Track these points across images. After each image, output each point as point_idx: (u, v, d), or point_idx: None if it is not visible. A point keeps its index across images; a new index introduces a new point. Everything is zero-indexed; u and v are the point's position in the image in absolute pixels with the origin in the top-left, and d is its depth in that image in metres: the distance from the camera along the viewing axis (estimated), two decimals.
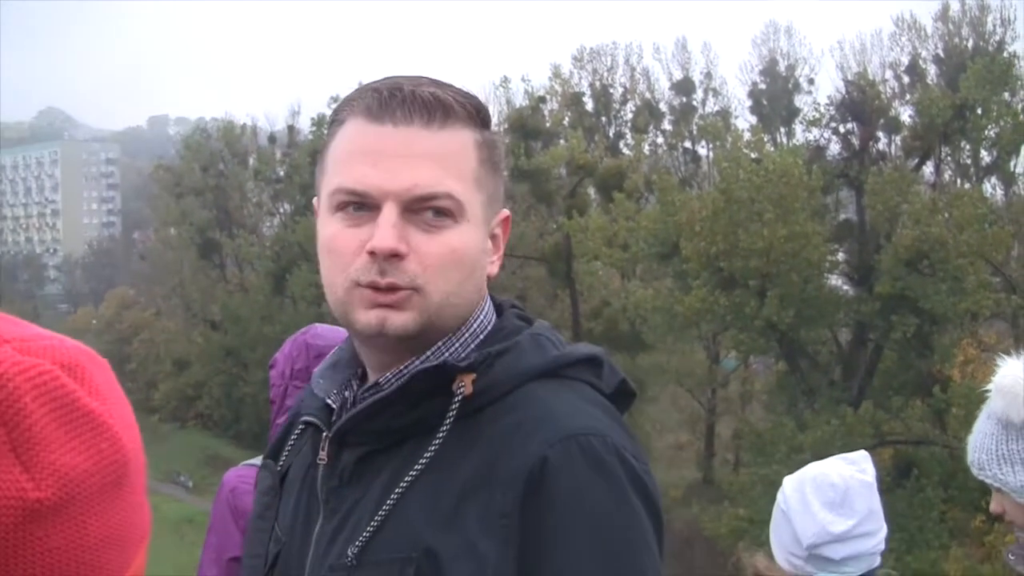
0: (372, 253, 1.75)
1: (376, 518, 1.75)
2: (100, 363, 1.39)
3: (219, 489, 4.26)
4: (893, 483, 31.04)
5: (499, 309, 1.97)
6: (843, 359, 40.69)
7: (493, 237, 1.91)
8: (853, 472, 3.54)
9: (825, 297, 37.13)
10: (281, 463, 2.03)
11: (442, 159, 1.78)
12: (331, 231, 1.82)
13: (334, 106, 1.95)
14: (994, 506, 3.03)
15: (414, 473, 1.75)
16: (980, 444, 2.99)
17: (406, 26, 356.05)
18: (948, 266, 33.47)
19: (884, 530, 3.54)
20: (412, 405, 1.78)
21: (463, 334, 1.87)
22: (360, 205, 1.79)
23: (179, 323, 73.29)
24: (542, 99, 56.74)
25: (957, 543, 31.89)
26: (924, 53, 54.35)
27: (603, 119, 66.49)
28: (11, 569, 1.24)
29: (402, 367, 1.84)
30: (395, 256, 1.75)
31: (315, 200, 1.93)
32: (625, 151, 59.09)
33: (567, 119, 59.13)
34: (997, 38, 52.66)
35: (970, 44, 52.28)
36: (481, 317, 1.90)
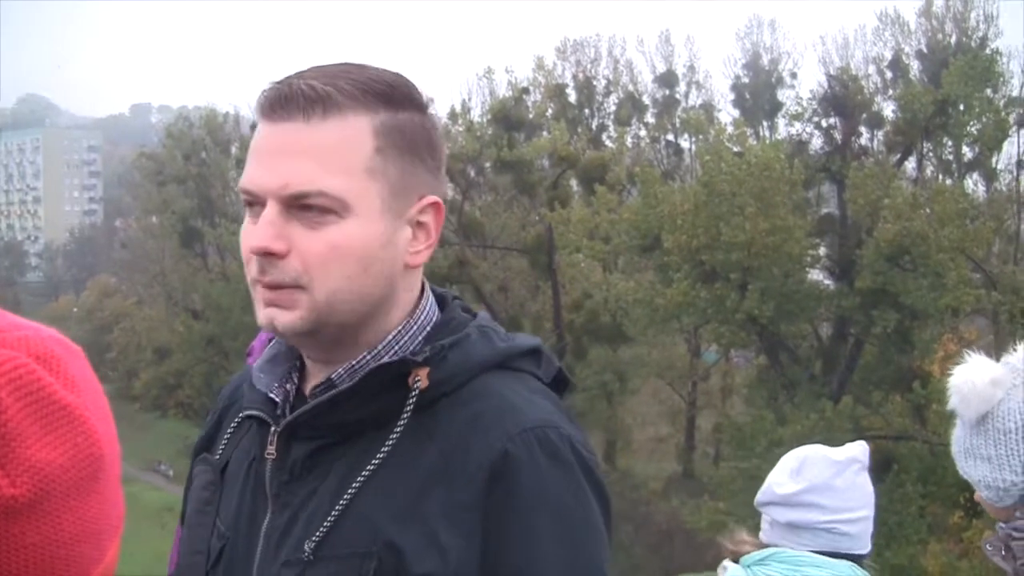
0: (252, 251, 1.76)
1: (334, 512, 1.74)
2: (75, 352, 1.39)
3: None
4: (872, 478, 31.11)
5: (442, 301, 1.96)
6: (823, 353, 40.77)
7: (419, 225, 1.84)
8: (824, 450, 3.62)
9: (806, 291, 37.15)
10: (218, 456, 2.00)
11: (320, 153, 1.74)
12: (243, 228, 1.82)
13: None
14: (977, 495, 3.19)
15: (372, 467, 1.75)
16: (954, 439, 3.21)
17: (390, 14, 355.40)
18: (929, 261, 33.51)
19: (853, 514, 3.56)
20: (368, 399, 1.78)
21: (410, 327, 1.86)
22: (253, 203, 1.78)
23: (160, 311, 73.01)
24: (525, 90, 56.61)
25: (935, 538, 31.99)
26: (907, 48, 54.36)
27: (586, 111, 66.41)
28: None
29: (354, 362, 1.83)
30: (273, 254, 1.74)
31: None
32: (608, 143, 59.01)
33: (550, 111, 58.97)
34: (980, 34, 52.68)
35: (953, 40, 52.29)
36: (427, 308, 1.90)
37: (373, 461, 1.75)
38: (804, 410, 34.01)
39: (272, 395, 1.90)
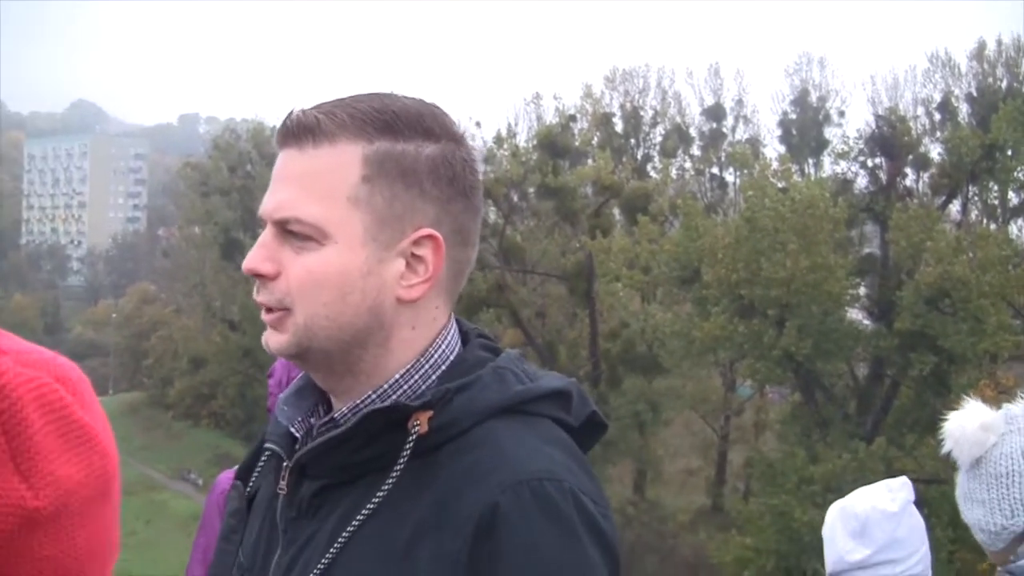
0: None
1: (327, 555, 1.71)
2: (84, 379, 1.40)
3: (211, 490, 4.29)
4: None
5: (465, 338, 1.89)
6: (859, 393, 40.58)
7: (414, 257, 1.77)
8: (879, 503, 3.59)
9: (844, 330, 37.01)
10: (251, 485, 1.99)
11: (304, 180, 1.74)
12: None
13: None
14: (978, 539, 3.26)
15: (366, 512, 1.70)
16: (956, 484, 3.30)
17: (442, 36, 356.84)
18: (969, 306, 33.35)
19: (917, 555, 3.57)
20: (366, 443, 1.74)
21: (422, 365, 1.80)
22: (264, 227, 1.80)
23: (198, 321, 73.44)
24: (572, 118, 56.76)
25: None
26: (957, 91, 54.16)
27: (632, 141, 66.46)
28: None
29: (358, 400, 1.79)
30: (262, 276, 1.76)
31: None
32: (652, 174, 59.02)
33: (596, 139, 59.09)
34: None
35: (1004, 84, 52.08)
36: (443, 347, 1.83)
37: (368, 506, 1.71)
38: (836, 449, 33.85)
39: (292, 429, 1.88)
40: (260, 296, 1.77)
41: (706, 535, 40.15)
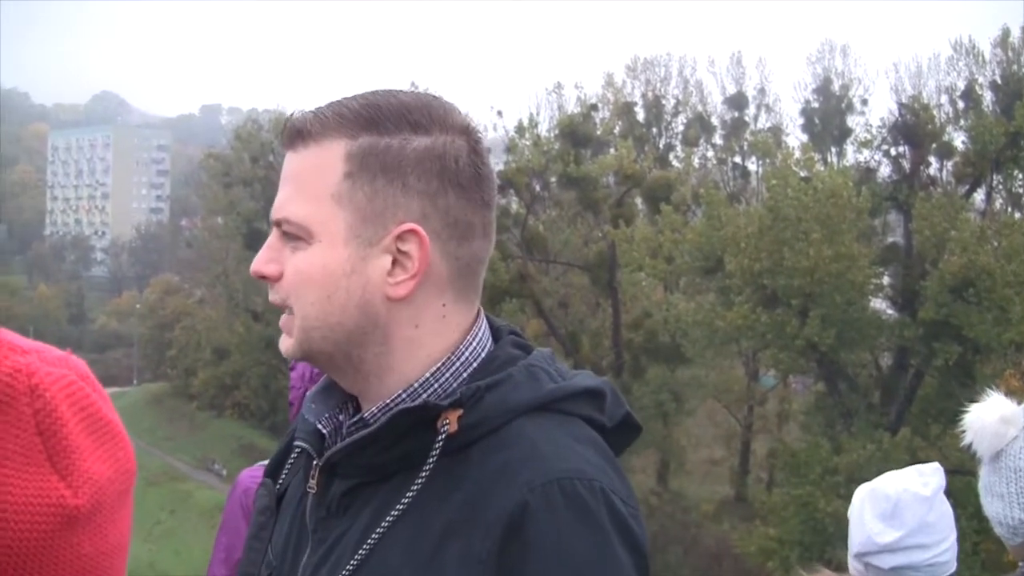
0: None
1: (357, 556, 1.70)
2: (92, 375, 1.43)
3: (232, 488, 4.28)
4: None
5: (496, 335, 1.88)
6: (883, 383, 40.48)
7: (400, 253, 1.74)
8: (911, 485, 3.56)
9: (867, 320, 36.92)
10: (280, 482, 1.98)
11: (295, 182, 1.77)
12: None
13: None
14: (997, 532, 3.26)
15: (396, 512, 1.69)
16: (980, 476, 3.29)
17: (462, 26, 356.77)
18: (994, 295, 33.23)
19: (946, 543, 3.55)
20: (394, 443, 1.72)
21: (452, 363, 1.78)
22: None
23: (221, 312, 73.60)
24: (594, 107, 56.65)
25: None
26: (981, 79, 53.78)
27: (654, 130, 66.33)
28: None
29: (388, 400, 1.77)
30: (265, 277, 1.78)
31: None
32: (674, 163, 58.97)
33: (618, 128, 58.95)
34: None
35: None
36: (474, 344, 1.81)
37: (399, 506, 1.69)
38: (861, 440, 33.78)
39: (320, 426, 1.87)
40: (271, 297, 1.79)
41: (730, 525, 40.16)
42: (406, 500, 1.69)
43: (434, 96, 1.82)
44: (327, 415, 1.88)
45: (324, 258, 1.73)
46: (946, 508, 3.58)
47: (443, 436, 1.69)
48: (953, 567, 3.59)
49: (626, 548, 1.65)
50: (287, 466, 1.99)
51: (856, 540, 3.57)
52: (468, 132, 1.79)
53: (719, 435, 52.82)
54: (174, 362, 79.78)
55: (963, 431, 3.22)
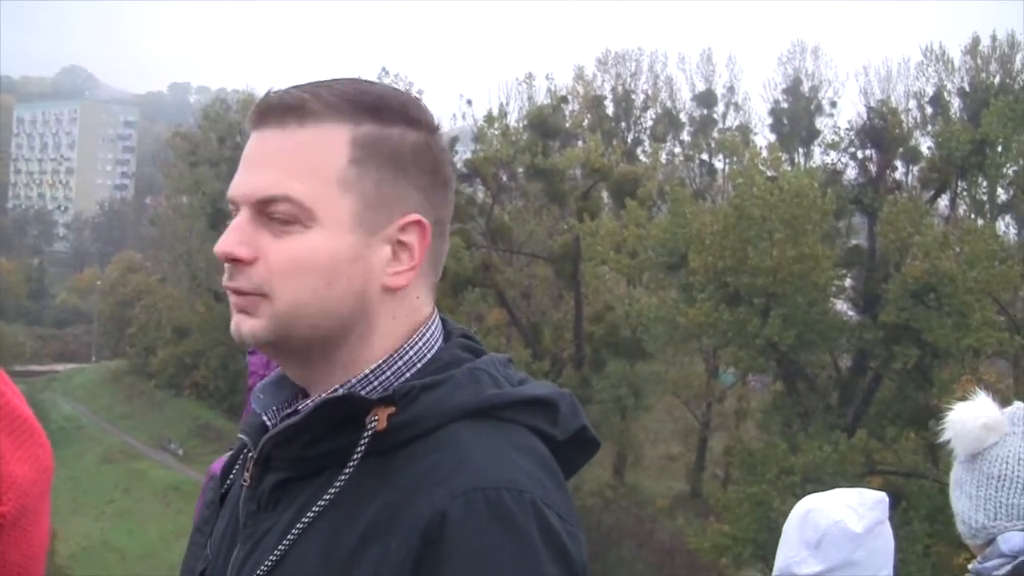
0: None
1: (276, 552, 1.65)
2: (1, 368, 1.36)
3: (205, 479, 4.25)
4: None
5: (447, 336, 1.81)
6: (841, 385, 40.64)
7: (400, 244, 1.72)
8: (845, 518, 3.47)
9: (829, 321, 37.08)
10: (231, 476, 1.92)
11: (289, 159, 1.68)
12: None
13: None
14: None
15: (317, 508, 1.64)
16: (952, 468, 3.29)
17: (433, 13, 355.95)
18: (955, 301, 33.42)
19: None
20: (321, 436, 1.67)
21: (395, 361, 1.72)
22: (236, 211, 1.72)
23: (183, 291, 73.30)
24: (564, 99, 56.67)
25: None
26: (950, 85, 54.14)
27: (622, 124, 66.49)
28: None
29: (324, 394, 1.71)
30: (239, 260, 1.68)
31: None
32: (642, 158, 59.01)
33: (587, 121, 59.07)
34: None
35: (997, 80, 52.09)
36: (420, 344, 1.75)
37: (320, 503, 1.64)
38: (817, 440, 33.90)
39: (266, 418, 1.81)
40: (234, 281, 1.69)
41: (684, 521, 40.27)
42: (327, 497, 1.64)
43: (411, 93, 1.82)
44: (275, 407, 1.83)
45: (329, 243, 1.68)
46: (881, 543, 3.52)
47: (370, 433, 1.63)
48: None
49: (557, 564, 1.56)
50: (240, 460, 1.93)
51: (779, 560, 3.53)
52: (440, 132, 1.79)
53: (677, 431, 52.92)
54: (134, 340, 79.32)
55: (943, 427, 3.24)
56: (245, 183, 1.70)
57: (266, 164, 1.69)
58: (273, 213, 1.67)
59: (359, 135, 1.69)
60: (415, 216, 1.72)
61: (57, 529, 50.80)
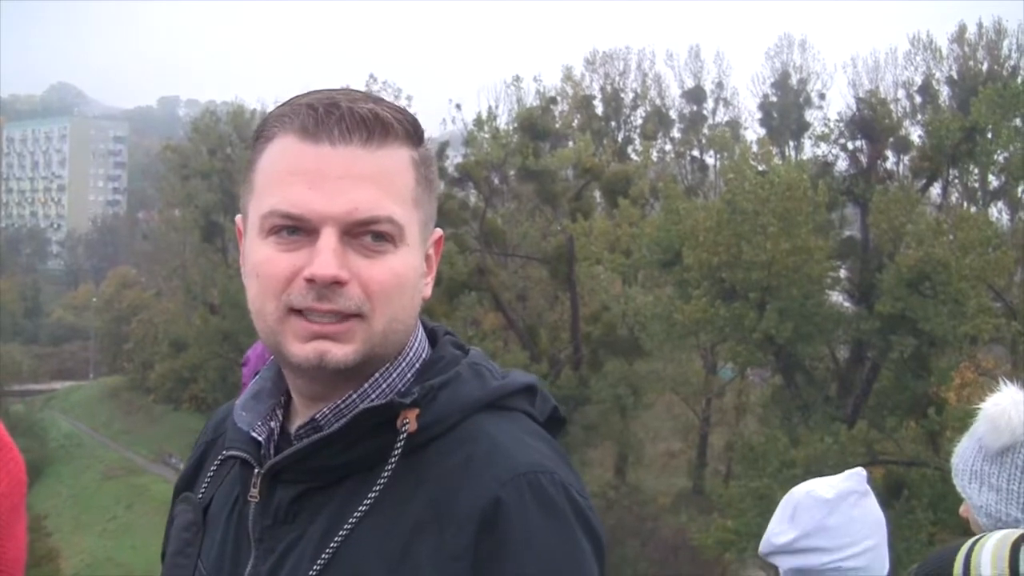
0: (311, 280, 1.68)
1: (321, 558, 1.68)
2: None
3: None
4: (882, 503, 30.82)
5: (432, 336, 1.89)
6: (840, 376, 40.62)
7: (427, 258, 1.82)
8: (816, 489, 3.58)
9: (825, 313, 37.05)
10: (201, 495, 1.93)
11: (381, 180, 1.70)
12: (263, 255, 1.73)
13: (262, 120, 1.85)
14: (963, 510, 3.23)
15: (359, 513, 1.69)
16: (960, 452, 3.23)
17: (419, 19, 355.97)
18: (950, 288, 33.40)
19: (854, 547, 3.53)
20: (354, 444, 1.71)
21: (399, 364, 1.79)
22: (295, 228, 1.70)
23: (179, 305, 73.20)
24: (553, 100, 56.71)
25: None
26: (938, 74, 54.35)
27: (612, 123, 66.55)
28: None
29: (339, 402, 1.76)
30: (336, 283, 1.67)
31: (238, 219, 1.86)
32: (633, 156, 59.09)
33: (576, 121, 59.10)
34: (1012, 63, 52.68)
35: (985, 67, 52.23)
36: (416, 345, 1.83)
37: (361, 507, 1.69)
38: (818, 432, 33.91)
39: (255, 434, 1.83)
40: (332, 303, 1.68)
41: (687, 518, 40.21)
42: (368, 501, 1.69)
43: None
44: (259, 423, 1.85)
45: (413, 260, 1.76)
46: (859, 512, 3.55)
47: (404, 436, 1.69)
48: (874, 572, 3.58)
49: (588, 537, 1.69)
50: (207, 478, 1.95)
51: (762, 541, 3.64)
52: None
53: (677, 428, 52.88)
54: (131, 355, 79.33)
55: (977, 416, 3.19)
56: (334, 202, 1.69)
57: (359, 183, 1.70)
58: (368, 233, 1.70)
59: (417, 156, 1.78)
60: (440, 231, 1.87)
61: (60, 547, 50.91)
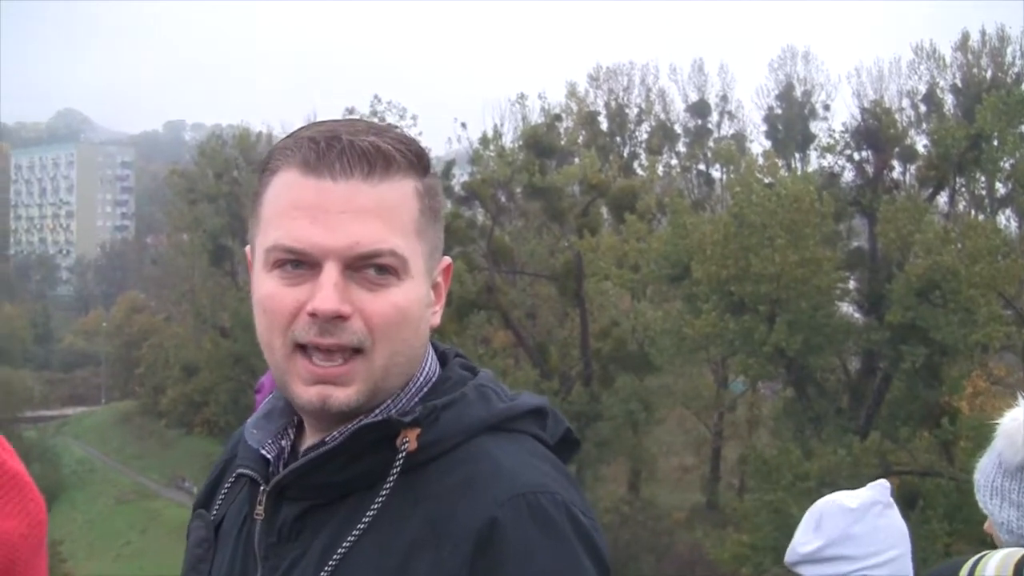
0: (314, 315, 1.68)
1: (321, 574, 1.69)
2: None
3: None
4: None
5: (443, 358, 1.89)
6: (851, 387, 40.58)
7: (435, 286, 1.82)
8: (840, 498, 3.59)
9: (835, 324, 37.03)
10: (215, 513, 1.94)
11: (383, 213, 1.70)
12: (267, 289, 1.73)
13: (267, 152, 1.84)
14: (987, 526, 3.23)
15: (358, 531, 1.69)
16: (981, 468, 3.20)
17: (423, 38, 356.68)
18: (959, 297, 33.36)
19: (879, 556, 3.51)
20: (353, 459, 1.72)
21: (409, 389, 1.80)
22: (298, 263, 1.70)
23: (189, 329, 73.27)
24: (558, 117, 56.76)
25: None
26: (942, 83, 54.26)
27: (617, 139, 66.54)
28: None
29: (350, 425, 1.75)
30: (338, 317, 1.68)
31: (247, 250, 1.85)
32: (639, 172, 59.09)
33: (582, 138, 59.13)
34: (1016, 70, 52.61)
35: (988, 75, 52.17)
36: (426, 369, 1.83)
37: (359, 525, 1.69)
38: (831, 444, 33.85)
39: (264, 452, 1.85)
40: (335, 337, 1.69)
41: (702, 532, 40.10)
42: (367, 519, 1.70)
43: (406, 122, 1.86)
44: (270, 441, 1.87)
45: (416, 292, 1.75)
46: (884, 522, 3.55)
47: (403, 454, 1.70)
48: None
49: (590, 558, 1.68)
50: (221, 495, 1.96)
51: (787, 551, 3.62)
52: None
53: (689, 442, 52.83)
54: (142, 380, 79.35)
55: (995, 432, 3.18)
56: (336, 236, 1.70)
57: (361, 217, 1.70)
58: (371, 267, 1.70)
59: (422, 187, 1.77)
60: (448, 259, 1.87)
61: (76, 573, 50.82)
